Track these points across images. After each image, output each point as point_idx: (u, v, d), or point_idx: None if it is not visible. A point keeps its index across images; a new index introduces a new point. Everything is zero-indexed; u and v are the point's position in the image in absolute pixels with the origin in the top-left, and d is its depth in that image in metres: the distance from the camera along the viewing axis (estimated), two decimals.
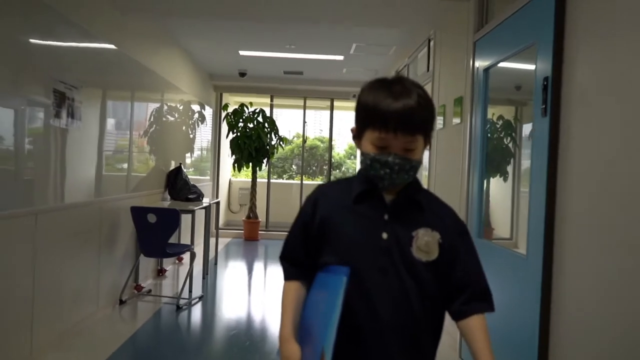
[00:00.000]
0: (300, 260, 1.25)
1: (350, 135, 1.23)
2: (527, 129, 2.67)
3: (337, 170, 11.85)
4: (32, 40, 2.88)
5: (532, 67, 2.41)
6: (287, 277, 1.27)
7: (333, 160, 9.70)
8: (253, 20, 4.61)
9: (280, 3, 3.98)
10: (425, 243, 1.15)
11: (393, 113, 1.09)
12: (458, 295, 1.19)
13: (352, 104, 1.41)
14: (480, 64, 3.19)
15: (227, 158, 8.68)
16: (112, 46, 3.91)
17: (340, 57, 6.09)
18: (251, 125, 7.82)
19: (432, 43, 4.53)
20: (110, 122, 3.99)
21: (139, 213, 4.13)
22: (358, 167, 1.34)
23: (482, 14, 3.29)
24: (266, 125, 7.91)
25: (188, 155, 6.44)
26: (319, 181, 9.42)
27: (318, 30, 5.00)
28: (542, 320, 2.22)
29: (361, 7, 3.98)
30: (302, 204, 1.28)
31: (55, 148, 3.16)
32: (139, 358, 3.25)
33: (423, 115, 1.12)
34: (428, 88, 4.38)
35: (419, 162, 1.16)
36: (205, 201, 5.48)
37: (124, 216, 4.19)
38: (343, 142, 12.65)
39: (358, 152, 1.28)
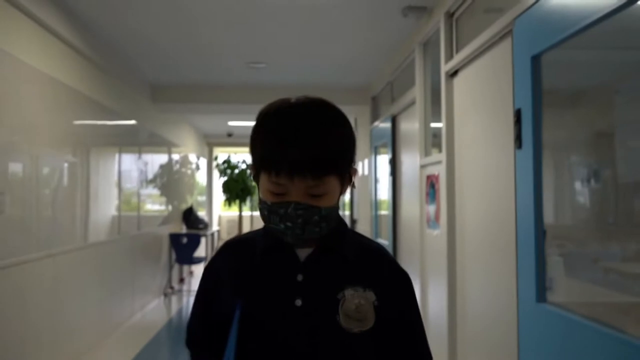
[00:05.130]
0: (205, 345, 0.99)
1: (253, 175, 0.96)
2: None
3: None
4: (75, 122, 3.87)
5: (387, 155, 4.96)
6: None
7: None
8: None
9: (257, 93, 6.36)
10: (356, 307, 0.85)
11: (287, 161, 0.85)
12: None
13: None
14: (373, 143, 5.75)
15: (217, 197, 11.08)
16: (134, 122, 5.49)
17: None
18: (237, 171, 10.26)
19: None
20: (144, 177, 6.32)
21: (175, 237, 6.51)
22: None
23: (374, 114, 5.84)
24: (248, 170, 10.37)
25: (188, 195, 8.79)
26: None
27: None
28: None
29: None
30: (203, 271, 1.02)
31: (87, 197, 5.52)
32: (181, 328, 5.58)
33: (329, 155, 0.87)
34: None
35: (333, 209, 0.89)
36: (210, 230, 7.89)
37: (163, 240, 6.53)
38: None
39: None
